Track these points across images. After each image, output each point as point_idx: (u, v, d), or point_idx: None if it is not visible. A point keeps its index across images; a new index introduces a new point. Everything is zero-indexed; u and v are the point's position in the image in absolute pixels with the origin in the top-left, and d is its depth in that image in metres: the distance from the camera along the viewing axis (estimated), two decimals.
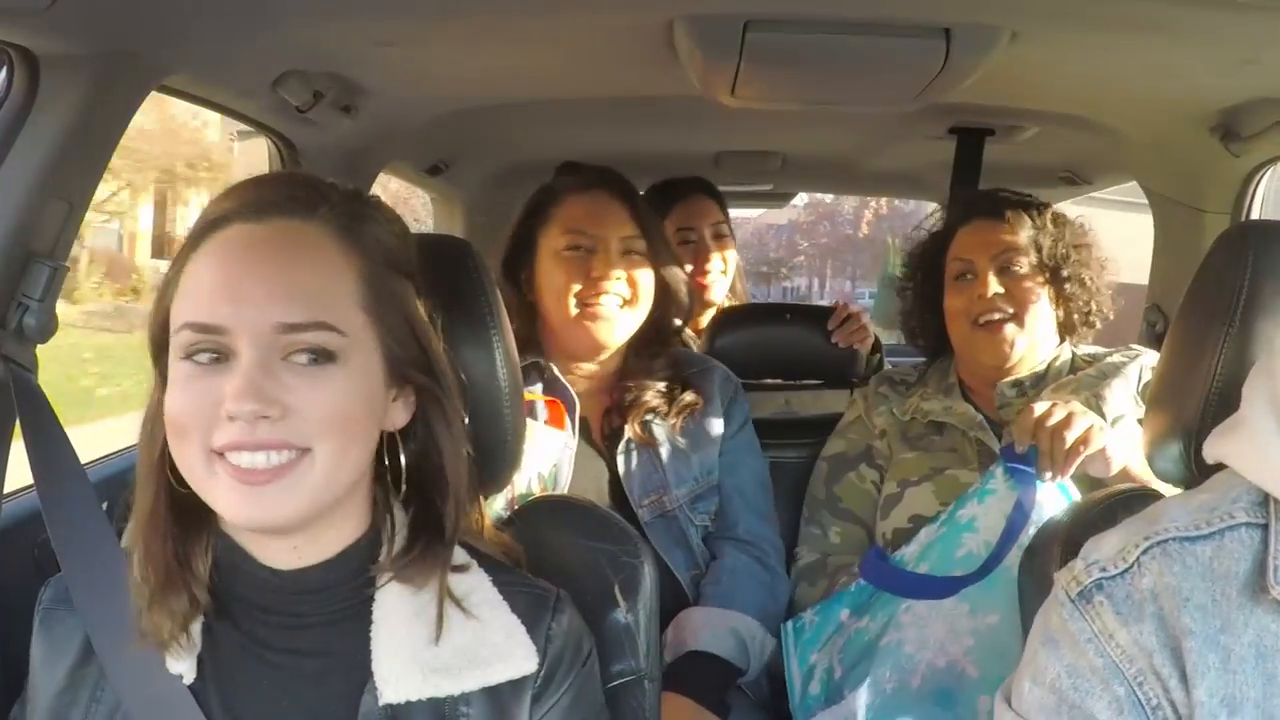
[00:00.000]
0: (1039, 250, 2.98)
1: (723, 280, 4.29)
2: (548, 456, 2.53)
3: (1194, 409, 1.70)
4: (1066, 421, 2.54)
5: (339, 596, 1.56)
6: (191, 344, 1.45)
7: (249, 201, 1.52)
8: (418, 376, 1.56)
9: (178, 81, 2.34)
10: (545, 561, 1.83)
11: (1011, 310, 2.94)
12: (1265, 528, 1.33)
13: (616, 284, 2.86)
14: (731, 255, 4.37)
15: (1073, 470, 2.52)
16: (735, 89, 2.64)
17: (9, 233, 1.96)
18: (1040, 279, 2.97)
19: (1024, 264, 2.97)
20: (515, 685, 1.58)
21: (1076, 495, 2.56)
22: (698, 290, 3.95)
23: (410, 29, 2.39)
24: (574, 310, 2.85)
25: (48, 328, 2.02)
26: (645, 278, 2.91)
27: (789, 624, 2.78)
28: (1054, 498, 2.56)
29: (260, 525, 1.49)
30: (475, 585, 1.62)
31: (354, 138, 3.00)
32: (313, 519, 1.50)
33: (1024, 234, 2.99)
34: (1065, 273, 2.98)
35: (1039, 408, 2.59)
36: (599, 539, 1.96)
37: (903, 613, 2.57)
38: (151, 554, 1.53)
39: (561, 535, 1.96)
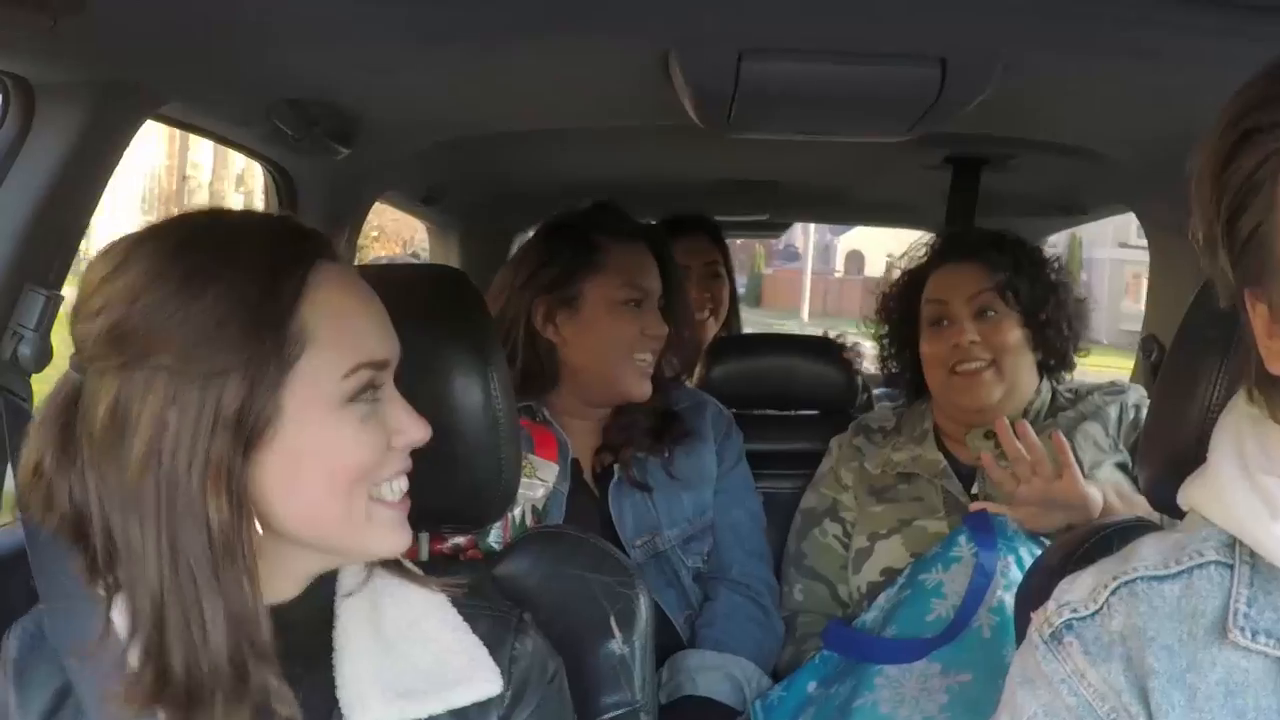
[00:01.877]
0: (1016, 293, 2.95)
1: (711, 323, 4.32)
2: (542, 488, 2.53)
3: (1189, 441, 1.69)
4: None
5: (305, 630, 1.54)
6: (364, 382, 1.48)
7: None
8: None
9: (173, 110, 2.35)
10: (540, 592, 1.83)
11: (989, 357, 2.91)
12: (1232, 568, 1.33)
13: (655, 341, 2.90)
14: (724, 293, 4.40)
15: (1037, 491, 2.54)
16: (730, 119, 2.64)
17: (3, 261, 1.96)
18: (1017, 322, 2.95)
19: (1000, 308, 2.95)
20: (482, 707, 1.57)
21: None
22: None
23: (406, 58, 2.39)
24: (622, 362, 2.86)
25: (42, 357, 2.01)
26: (665, 334, 2.94)
27: (757, 703, 2.75)
28: (1019, 561, 2.58)
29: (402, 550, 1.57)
30: (435, 609, 1.62)
31: (349, 167, 3.00)
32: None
33: (1000, 276, 2.96)
34: (1043, 316, 2.96)
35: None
36: (594, 570, 1.95)
37: (875, 675, 2.57)
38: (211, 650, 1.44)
39: (556, 566, 1.96)
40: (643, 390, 2.90)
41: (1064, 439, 2.54)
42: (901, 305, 3.20)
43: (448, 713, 1.55)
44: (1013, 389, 2.94)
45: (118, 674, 1.48)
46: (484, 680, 1.57)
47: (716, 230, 4.58)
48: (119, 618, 1.49)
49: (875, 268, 55.77)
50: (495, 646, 1.61)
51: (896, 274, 3.25)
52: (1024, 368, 2.97)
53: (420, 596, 1.63)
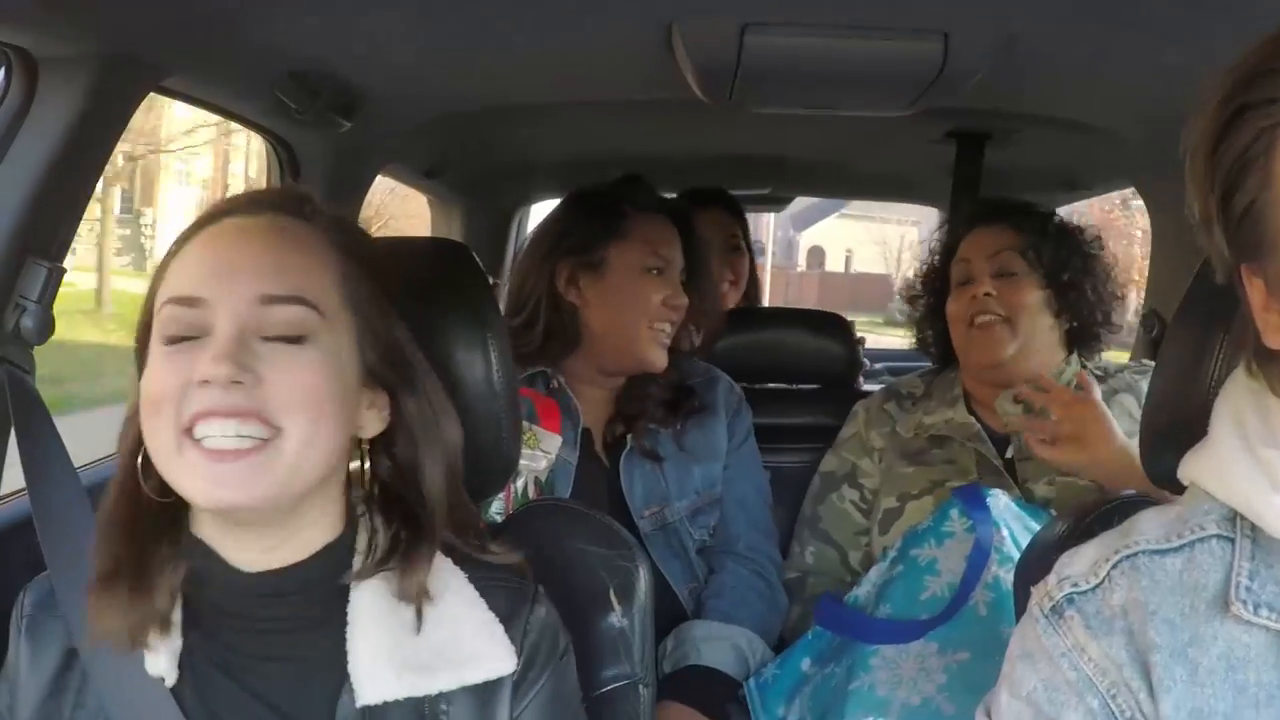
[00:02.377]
0: (1038, 254, 2.96)
1: (733, 292, 4.34)
2: (544, 459, 2.53)
3: (1191, 416, 1.69)
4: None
5: (313, 599, 1.55)
6: (171, 319, 1.46)
7: (242, 202, 1.57)
8: (392, 380, 1.57)
9: (176, 83, 2.34)
10: (540, 565, 1.83)
11: (1004, 313, 2.93)
12: (1234, 541, 1.33)
13: (675, 312, 2.92)
14: (744, 266, 4.41)
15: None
16: (733, 93, 2.64)
17: (6, 234, 1.95)
18: (1036, 285, 2.96)
19: (1020, 268, 2.96)
20: (495, 682, 1.58)
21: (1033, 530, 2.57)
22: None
23: (408, 30, 2.39)
24: (641, 329, 2.88)
25: (45, 329, 2.01)
26: (685, 305, 2.95)
27: (751, 681, 2.75)
28: (1012, 535, 2.57)
29: (228, 505, 1.46)
30: (452, 583, 1.62)
31: (352, 140, 3.00)
32: (282, 510, 1.50)
33: (1024, 237, 2.98)
34: (1065, 278, 2.96)
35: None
36: (595, 543, 1.96)
37: (870, 656, 2.55)
38: (113, 555, 1.52)
39: (557, 539, 1.96)
40: (659, 359, 2.92)
41: (1090, 378, 2.62)
42: (936, 273, 3.22)
43: (459, 690, 1.56)
44: (1027, 349, 2.95)
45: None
46: (498, 658, 1.58)
47: (735, 204, 4.59)
48: None
49: (835, 263, 58.19)
50: (510, 620, 1.61)
51: (936, 243, 3.29)
52: (1041, 330, 2.98)
53: (438, 569, 1.62)
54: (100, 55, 2.00)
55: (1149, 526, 1.40)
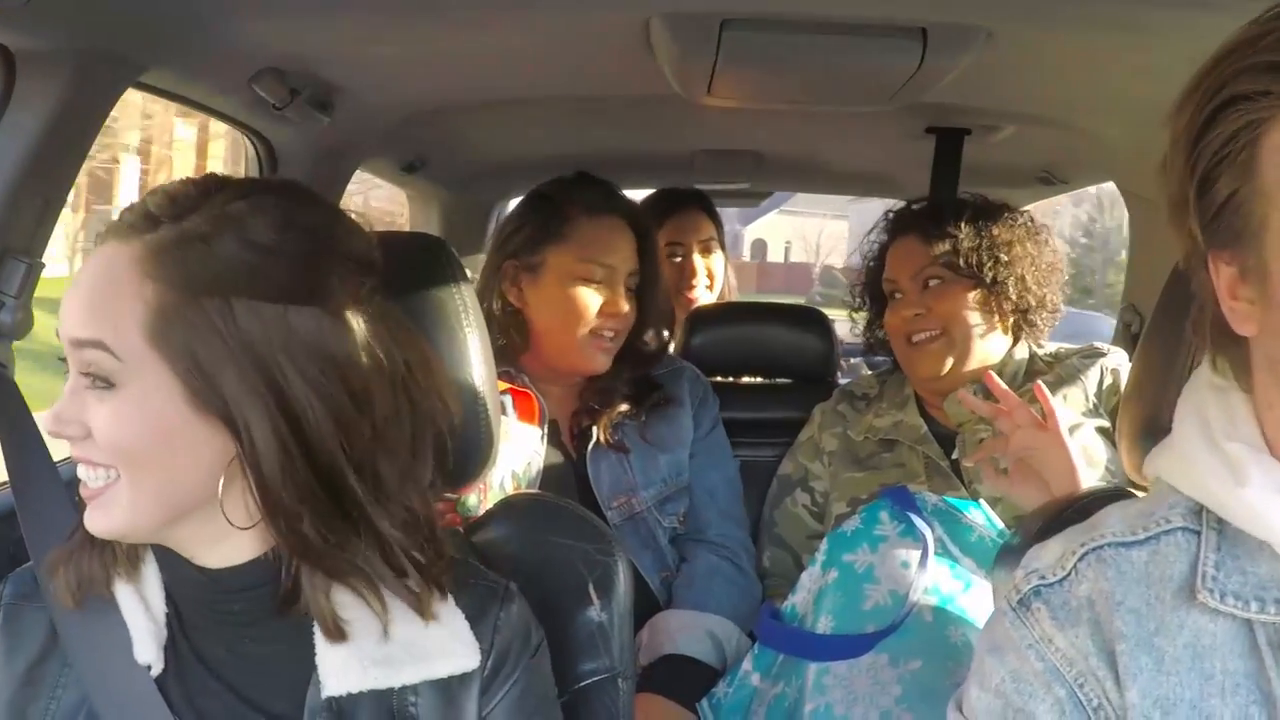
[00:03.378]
0: (956, 259, 2.98)
1: (708, 294, 4.36)
2: (522, 453, 2.53)
3: (1170, 409, 1.70)
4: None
5: (269, 594, 1.55)
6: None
7: (120, 222, 1.51)
8: (229, 415, 1.46)
9: (154, 78, 2.34)
10: (518, 559, 1.83)
11: (939, 328, 2.97)
12: (1199, 534, 1.34)
13: (614, 320, 2.91)
14: (718, 264, 4.43)
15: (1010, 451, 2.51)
16: (711, 88, 2.64)
17: None
18: (965, 288, 2.98)
19: (945, 275, 2.99)
20: (462, 679, 1.59)
21: (964, 545, 2.57)
22: (685, 304, 4.18)
23: (388, 27, 2.39)
24: (582, 336, 2.88)
25: (23, 325, 2.02)
26: (633, 311, 2.96)
27: (704, 702, 2.72)
28: (947, 534, 2.57)
29: (100, 534, 1.51)
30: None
31: (331, 135, 2.99)
32: (166, 535, 1.53)
33: (939, 245, 3.00)
34: (989, 276, 2.96)
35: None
36: (573, 537, 1.96)
37: (823, 675, 2.51)
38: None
39: (535, 533, 1.96)
40: (596, 365, 2.94)
41: (1044, 389, 2.54)
42: (870, 281, 3.24)
43: (426, 683, 1.57)
44: (966, 355, 2.98)
45: (109, 625, 1.54)
46: (463, 655, 1.59)
47: (711, 204, 4.59)
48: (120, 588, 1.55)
49: (776, 254, 62.90)
50: (479, 617, 1.62)
51: (869, 248, 3.30)
52: (979, 333, 2.99)
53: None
54: (78, 50, 2.00)
55: (1114, 520, 1.42)
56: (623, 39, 2.40)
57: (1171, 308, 1.80)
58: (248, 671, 1.57)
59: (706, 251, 4.42)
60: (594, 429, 2.96)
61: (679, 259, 4.36)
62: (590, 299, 2.88)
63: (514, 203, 5.14)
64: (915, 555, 2.54)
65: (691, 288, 4.36)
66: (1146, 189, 3.51)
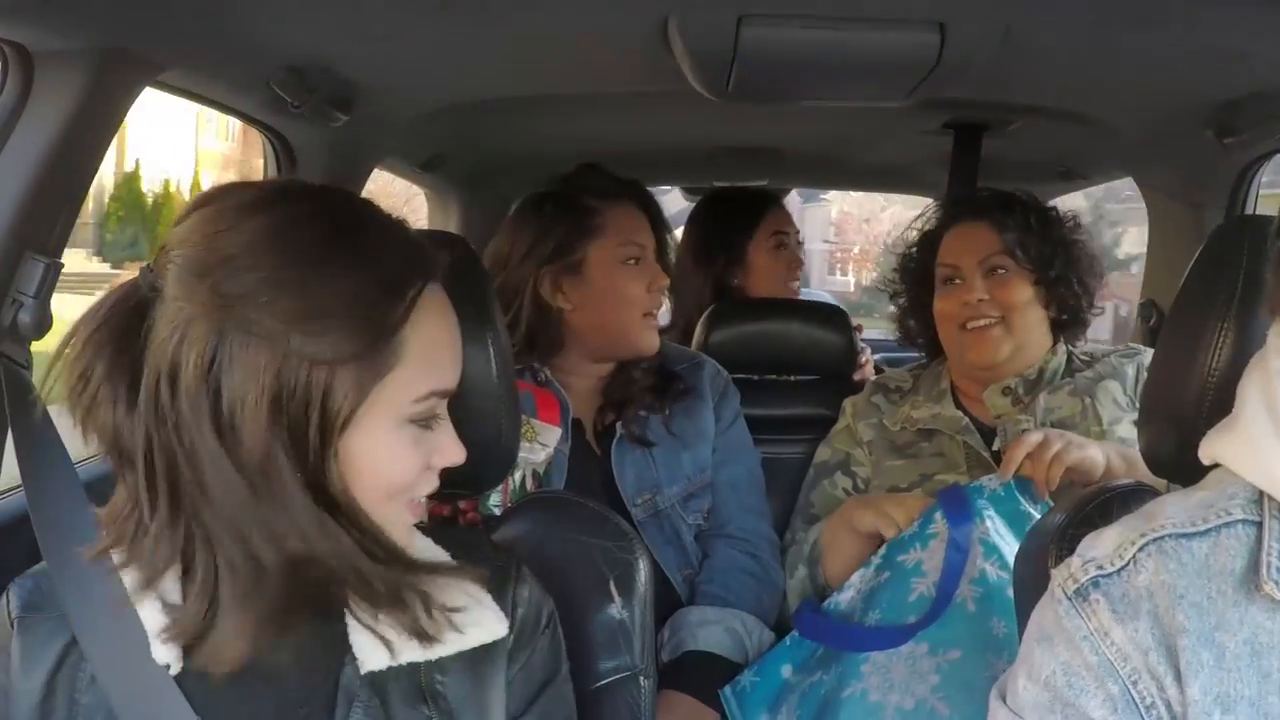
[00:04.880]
0: (1025, 251, 2.97)
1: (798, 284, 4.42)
2: (543, 451, 2.53)
3: (1190, 405, 1.69)
4: (1045, 444, 2.56)
5: (318, 582, 1.54)
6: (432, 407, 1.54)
7: None
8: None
9: (172, 78, 2.34)
10: (539, 557, 1.83)
11: (998, 315, 2.95)
12: (1260, 524, 1.33)
13: (662, 294, 2.97)
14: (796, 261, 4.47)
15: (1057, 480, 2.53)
16: (730, 85, 2.64)
17: (3, 229, 1.95)
18: (1027, 280, 2.97)
19: (1010, 266, 2.97)
20: (489, 650, 1.62)
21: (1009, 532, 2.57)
22: (790, 294, 4.31)
23: (405, 24, 2.39)
24: (636, 317, 2.91)
25: (42, 324, 2.01)
26: (667, 282, 3.00)
27: (727, 689, 2.72)
28: (1002, 523, 2.57)
29: None
30: (435, 557, 1.66)
31: (348, 133, 3.00)
32: None
33: (1010, 235, 2.98)
34: (1053, 273, 2.97)
35: (1028, 440, 2.58)
36: (594, 535, 1.96)
37: (861, 663, 2.53)
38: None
39: (556, 531, 1.97)
40: (653, 343, 2.97)
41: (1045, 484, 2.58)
42: (917, 267, 3.23)
43: (456, 658, 1.59)
44: (1022, 346, 2.97)
45: (128, 627, 1.51)
46: (492, 622, 1.62)
47: (777, 199, 4.61)
48: (128, 577, 1.52)
49: None
50: (499, 593, 1.65)
51: (913, 235, 3.28)
52: (1034, 325, 2.99)
53: (423, 546, 1.66)
54: (97, 50, 2.00)
55: (1174, 510, 1.40)
56: (640, 37, 2.39)
57: (1191, 302, 1.79)
58: (279, 657, 1.55)
59: (779, 248, 4.42)
60: (618, 425, 2.95)
61: (785, 248, 4.38)
62: (638, 279, 2.93)
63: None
64: (964, 548, 2.54)
65: (796, 278, 4.41)
66: (1164, 184, 3.50)
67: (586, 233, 2.93)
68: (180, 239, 1.44)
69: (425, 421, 1.51)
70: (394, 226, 1.55)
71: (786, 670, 2.67)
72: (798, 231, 4.49)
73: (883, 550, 2.70)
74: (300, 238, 1.42)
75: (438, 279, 1.54)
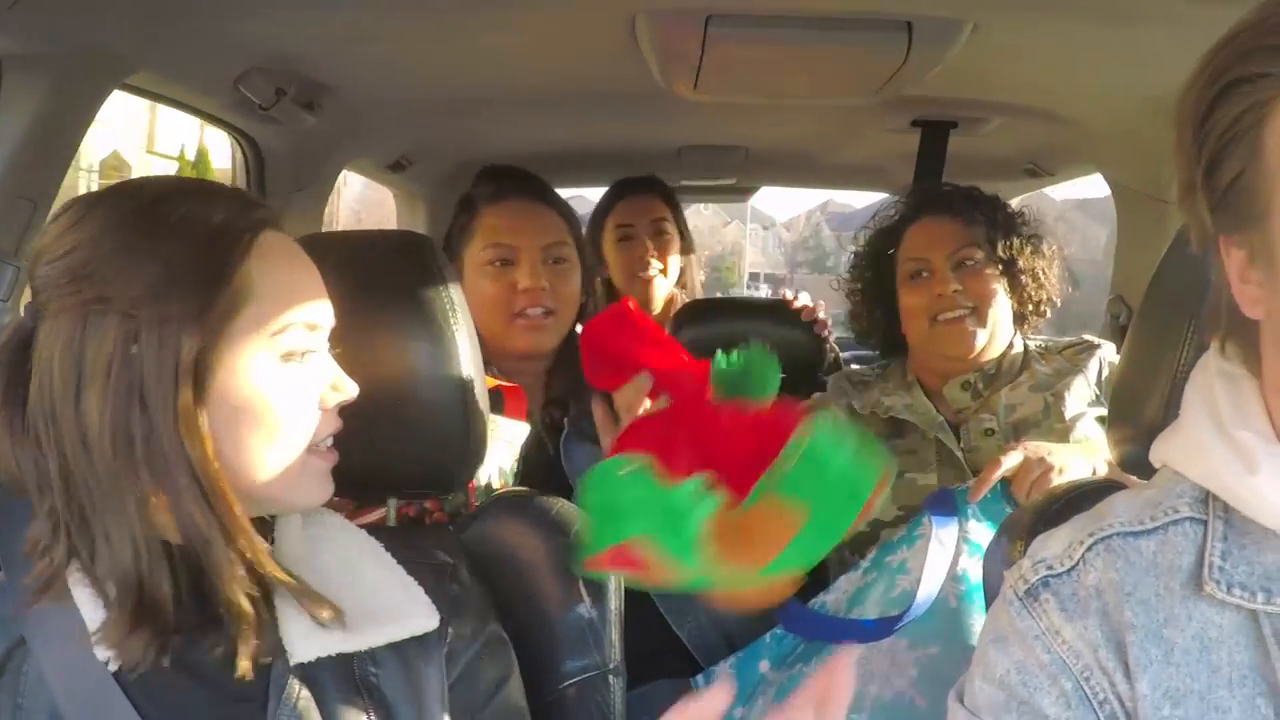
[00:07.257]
0: (993, 245, 2.96)
1: (664, 282, 4.26)
2: (510, 450, 2.53)
3: (1159, 400, 1.70)
4: (1024, 470, 2.56)
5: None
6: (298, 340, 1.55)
7: None
8: None
9: (141, 80, 2.34)
10: (506, 556, 1.83)
11: (971, 305, 2.93)
12: (1205, 523, 1.34)
13: (533, 295, 2.86)
14: (672, 253, 4.34)
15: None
16: (698, 83, 2.64)
17: None
18: (995, 273, 2.96)
19: (979, 258, 2.96)
20: (421, 644, 1.62)
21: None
22: (641, 288, 4.13)
23: (372, 25, 2.39)
24: (501, 320, 2.85)
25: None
26: (568, 284, 2.92)
27: (700, 678, 2.73)
28: (985, 524, 2.57)
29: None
30: (369, 551, 1.68)
31: (316, 135, 2.99)
32: None
33: (977, 229, 2.97)
34: (1019, 266, 2.97)
35: (1007, 464, 2.58)
36: (562, 534, 1.95)
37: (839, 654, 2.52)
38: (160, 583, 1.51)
39: (523, 531, 1.96)
40: (530, 343, 2.89)
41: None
42: (875, 261, 3.20)
43: (389, 649, 1.59)
44: (993, 337, 2.96)
45: (72, 624, 1.51)
46: (421, 615, 1.63)
47: (667, 189, 4.52)
48: (77, 585, 1.51)
49: None
50: (431, 590, 1.66)
51: (874, 230, 3.27)
52: (1002, 317, 2.98)
53: (354, 539, 1.69)
54: (65, 53, 2.00)
55: (1122, 509, 1.41)
56: (609, 35, 2.40)
57: (1159, 299, 1.80)
58: (208, 651, 1.54)
59: (658, 234, 4.32)
60: (565, 420, 2.95)
61: (630, 239, 4.26)
62: (500, 281, 2.87)
63: None
64: (948, 546, 2.55)
65: (646, 266, 4.23)
66: (1133, 180, 3.51)
67: (464, 233, 2.94)
68: (37, 256, 1.48)
69: (301, 355, 1.53)
70: (220, 190, 1.57)
71: (764, 666, 2.67)
72: (660, 220, 4.34)
73: (871, 555, 2.71)
74: (130, 217, 1.46)
75: (277, 228, 1.57)
